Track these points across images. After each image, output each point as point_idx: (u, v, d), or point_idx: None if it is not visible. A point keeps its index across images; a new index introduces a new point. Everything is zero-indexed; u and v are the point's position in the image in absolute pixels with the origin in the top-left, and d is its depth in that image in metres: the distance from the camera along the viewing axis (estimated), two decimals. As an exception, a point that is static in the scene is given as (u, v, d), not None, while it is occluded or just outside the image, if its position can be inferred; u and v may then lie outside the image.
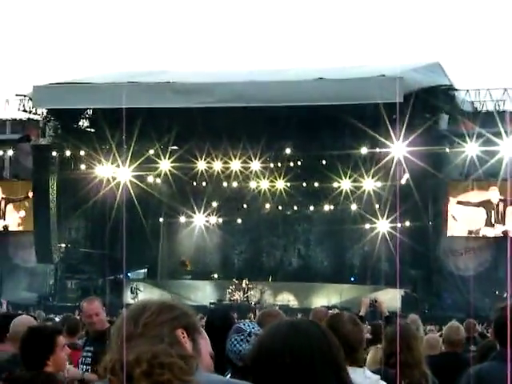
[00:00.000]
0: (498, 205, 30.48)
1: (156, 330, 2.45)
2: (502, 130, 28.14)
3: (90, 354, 7.50)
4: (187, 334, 2.51)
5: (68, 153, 33.01)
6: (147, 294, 34.06)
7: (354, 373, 4.79)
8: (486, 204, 30.73)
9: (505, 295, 25.45)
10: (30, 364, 5.04)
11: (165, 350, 2.34)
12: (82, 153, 32.91)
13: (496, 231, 30.40)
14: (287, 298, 33.81)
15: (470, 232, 31.08)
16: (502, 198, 30.11)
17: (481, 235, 31.05)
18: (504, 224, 30.48)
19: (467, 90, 31.06)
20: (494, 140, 28.43)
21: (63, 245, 34.17)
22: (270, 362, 2.45)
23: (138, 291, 34.16)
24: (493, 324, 5.23)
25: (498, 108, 30.00)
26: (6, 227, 35.14)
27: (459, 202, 30.92)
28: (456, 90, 31.50)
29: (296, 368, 2.43)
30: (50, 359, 5.12)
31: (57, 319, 15.79)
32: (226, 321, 6.09)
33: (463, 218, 31.03)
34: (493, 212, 30.69)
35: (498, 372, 4.74)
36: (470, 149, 29.34)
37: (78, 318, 9.83)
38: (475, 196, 30.84)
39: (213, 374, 2.59)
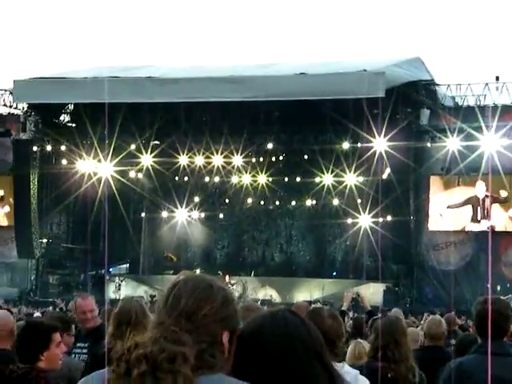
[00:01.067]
0: (484, 200, 30.53)
1: (208, 328, 2.34)
2: (482, 125, 28.23)
3: (84, 351, 7.45)
4: (230, 338, 2.42)
5: (49, 147, 32.88)
6: (129, 289, 34.00)
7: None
8: (471, 201, 30.76)
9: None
10: (23, 358, 5.05)
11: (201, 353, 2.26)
12: (63, 147, 32.77)
13: (482, 227, 30.45)
14: (269, 293, 33.82)
15: (456, 231, 31.15)
16: (488, 193, 30.16)
17: (466, 231, 31.13)
18: (489, 219, 30.53)
19: (448, 85, 31.15)
20: (475, 135, 28.53)
21: (44, 240, 34.06)
22: (253, 353, 2.44)
23: (121, 286, 34.07)
24: (474, 317, 5.25)
25: (479, 103, 30.09)
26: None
27: (449, 207, 30.93)
28: (437, 84, 31.60)
29: (279, 356, 2.43)
30: (44, 355, 5.12)
31: (37, 314, 15.76)
32: None
33: (450, 216, 31.07)
34: (479, 208, 30.74)
35: (478, 365, 4.76)
36: (452, 143, 29.44)
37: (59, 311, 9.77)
38: (461, 193, 30.84)
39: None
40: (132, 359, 2.23)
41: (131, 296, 6.30)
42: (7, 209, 34.65)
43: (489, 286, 19.89)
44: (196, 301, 2.34)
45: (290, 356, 2.43)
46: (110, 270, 36.49)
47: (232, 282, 32.42)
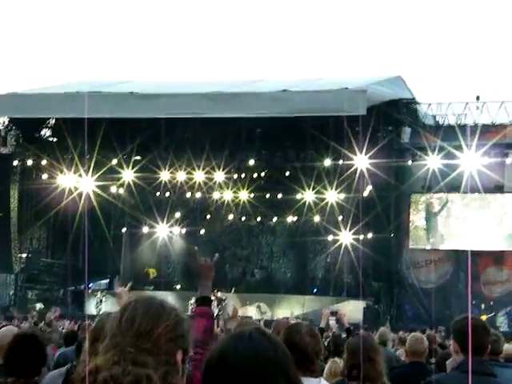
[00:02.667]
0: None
1: (165, 347, 2.33)
2: (463, 144, 28.41)
3: None
4: (183, 357, 2.42)
5: (30, 162, 32.77)
6: (108, 304, 33.81)
7: (309, 383, 4.81)
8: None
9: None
10: (20, 373, 4.95)
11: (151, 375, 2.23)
12: (44, 162, 32.67)
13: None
14: (250, 310, 33.75)
15: (436, 249, 31.33)
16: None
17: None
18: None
19: (429, 104, 31.37)
20: (455, 153, 28.70)
21: (24, 254, 33.86)
22: (218, 373, 2.43)
23: (102, 302, 33.87)
24: (453, 335, 5.27)
25: (459, 122, 30.31)
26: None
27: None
28: (418, 103, 31.81)
29: (242, 374, 2.42)
30: (42, 371, 5.07)
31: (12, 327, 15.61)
32: None
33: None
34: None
35: (457, 382, 4.77)
36: (432, 162, 29.60)
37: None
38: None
39: None
40: (98, 382, 2.21)
41: (108, 312, 6.22)
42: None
43: (469, 303, 19.96)
44: (150, 320, 2.34)
45: (253, 374, 2.43)
46: (90, 285, 36.28)
47: (223, 297, 32.27)
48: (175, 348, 2.36)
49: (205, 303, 4.44)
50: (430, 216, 31.47)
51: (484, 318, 22.14)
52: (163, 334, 2.34)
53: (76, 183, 32.09)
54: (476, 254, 29.83)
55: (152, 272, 37.89)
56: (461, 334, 5.04)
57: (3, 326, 6.88)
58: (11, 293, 34.04)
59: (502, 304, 30.06)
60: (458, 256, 30.44)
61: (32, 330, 9.70)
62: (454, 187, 29.45)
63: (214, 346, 2.49)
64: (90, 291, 34.75)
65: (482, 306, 27.77)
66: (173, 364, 2.36)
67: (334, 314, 12.72)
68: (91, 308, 33.34)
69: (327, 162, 31.18)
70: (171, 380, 2.32)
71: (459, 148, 28.59)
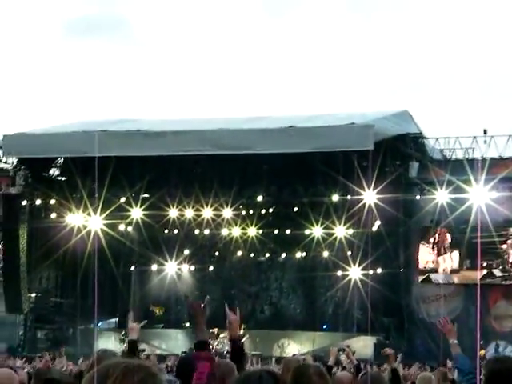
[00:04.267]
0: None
1: None
2: (471, 178, 28.36)
3: None
4: None
5: (38, 201, 32.84)
6: (118, 343, 33.68)
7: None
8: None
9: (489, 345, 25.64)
10: None
11: None
12: (53, 201, 32.75)
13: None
14: (259, 347, 33.57)
15: (445, 284, 31.20)
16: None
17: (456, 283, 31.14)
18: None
19: (437, 138, 31.38)
20: (463, 187, 28.64)
21: (33, 294, 33.80)
22: None
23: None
24: (485, 376, 5.22)
25: (467, 156, 30.29)
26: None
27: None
28: (425, 138, 31.82)
29: None
30: None
31: (25, 370, 15.57)
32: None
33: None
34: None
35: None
36: (441, 196, 29.54)
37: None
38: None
39: None
40: None
41: (105, 349, 6.23)
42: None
43: (478, 339, 19.81)
44: (98, 381, 2.38)
45: None
46: (99, 324, 36.18)
47: (221, 335, 32.17)
48: None
49: (204, 348, 4.47)
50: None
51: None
52: None
53: (85, 222, 32.12)
54: (486, 288, 29.65)
55: (158, 310, 37.80)
56: (492, 376, 5.00)
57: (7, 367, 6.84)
58: (20, 333, 33.93)
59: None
60: (467, 290, 30.26)
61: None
62: (462, 221, 29.33)
63: None
64: (98, 330, 34.66)
65: (501, 344, 27.58)
66: None
67: (342, 350, 12.68)
68: (99, 347, 33.17)
69: (335, 197, 31.17)
70: None
71: (467, 182, 28.53)
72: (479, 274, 29.64)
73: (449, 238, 31.37)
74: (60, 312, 35.14)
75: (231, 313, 5.38)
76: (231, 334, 5.82)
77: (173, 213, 33.46)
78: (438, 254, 31.51)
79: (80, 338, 33.77)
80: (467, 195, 28.58)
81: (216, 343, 32.79)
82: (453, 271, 31.43)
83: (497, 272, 30.44)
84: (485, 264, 30.10)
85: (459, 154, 30.56)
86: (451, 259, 31.46)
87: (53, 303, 35.04)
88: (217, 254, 37.31)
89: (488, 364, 5.13)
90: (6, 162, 32.87)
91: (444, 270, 31.51)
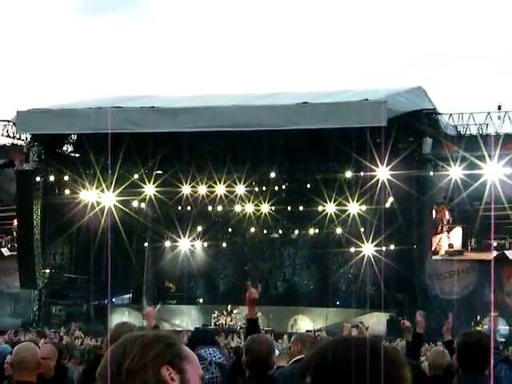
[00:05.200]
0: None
1: (140, 375, 2.36)
2: (485, 154, 28.24)
3: None
4: (173, 368, 2.43)
5: (52, 178, 32.90)
6: (132, 318, 33.85)
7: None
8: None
9: (484, 319, 25.52)
10: None
11: None
12: (66, 178, 32.81)
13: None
14: (272, 323, 33.68)
15: (459, 260, 31.06)
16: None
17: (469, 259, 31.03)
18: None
19: (450, 114, 31.21)
20: (477, 163, 28.53)
21: (47, 270, 33.97)
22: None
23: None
24: (456, 349, 5.29)
25: (481, 132, 30.14)
26: None
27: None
28: (439, 113, 31.64)
29: None
30: None
31: (40, 344, 15.67)
32: (207, 339, 6.08)
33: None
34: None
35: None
36: (454, 172, 29.43)
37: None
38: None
39: None
40: None
41: (123, 322, 6.20)
42: (10, 239, 34.66)
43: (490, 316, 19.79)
44: (116, 361, 2.36)
45: None
46: (113, 300, 36.35)
47: (234, 311, 32.30)
48: (154, 370, 2.36)
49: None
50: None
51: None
52: (131, 369, 2.35)
53: (98, 198, 32.20)
54: (499, 264, 29.60)
55: (173, 285, 37.95)
56: (461, 350, 5.11)
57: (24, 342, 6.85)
58: (35, 308, 34.13)
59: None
60: (481, 266, 30.22)
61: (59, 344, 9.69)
62: (476, 198, 29.23)
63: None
64: (112, 306, 34.83)
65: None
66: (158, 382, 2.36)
67: (355, 327, 12.69)
68: (113, 323, 33.35)
69: (348, 174, 31.12)
70: None
71: (481, 158, 28.41)
72: (492, 254, 29.50)
73: (447, 215, 31.25)
74: (74, 288, 35.32)
75: (255, 290, 5.29)
76: (251, 314, 5.72)
77: (186, 189, 33.51)
78: (436, 233, 31.36)
79: (94, 314, 33.94)
80: (481, 171, 28.48)
81: (230, 319, 32.95)
82: (455, 253, 31.21)
83: (509, 254, 30.23)
84: (495, 244, 29.88)
85: (473, 130, 30.42)
86: (449, 238, 31.31)
87: (67, 279, 35.21)
88: (230, 230, 37.36)
89: (459, 337, 5.24)
90: (19, 139, 32.93)
91: (446, 252, 31.34)
